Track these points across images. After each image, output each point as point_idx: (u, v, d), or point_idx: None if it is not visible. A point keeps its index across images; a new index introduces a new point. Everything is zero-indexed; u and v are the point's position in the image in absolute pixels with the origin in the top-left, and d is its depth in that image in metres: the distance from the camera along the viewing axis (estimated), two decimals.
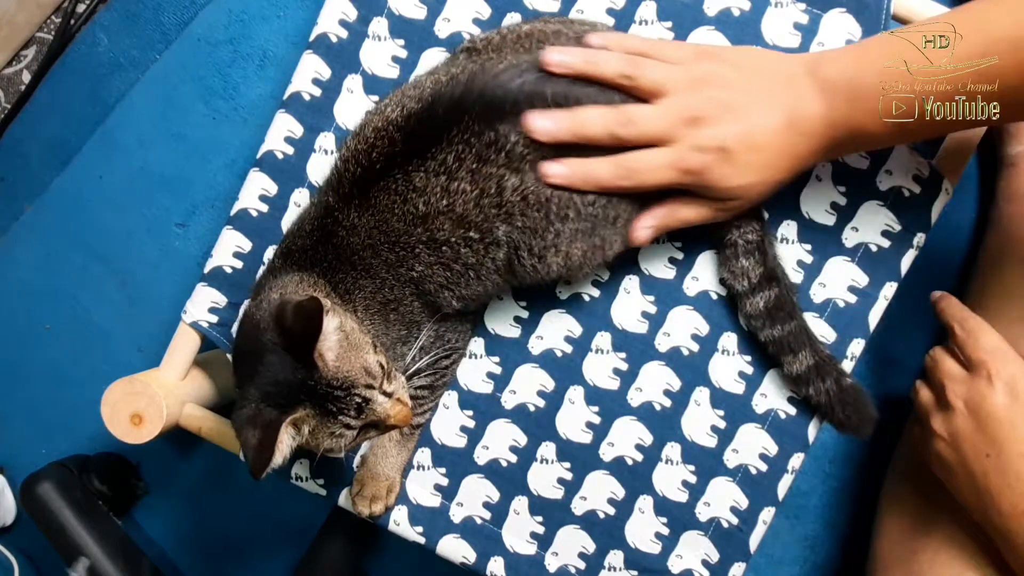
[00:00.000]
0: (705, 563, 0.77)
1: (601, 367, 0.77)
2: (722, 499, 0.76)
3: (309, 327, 0.59)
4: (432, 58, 0.76)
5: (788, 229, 0.74)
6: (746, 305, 0.72)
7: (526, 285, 0.72)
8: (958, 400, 0.64)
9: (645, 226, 0.67)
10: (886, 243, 0.74)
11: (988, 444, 0.62)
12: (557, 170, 0.63)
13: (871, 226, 0.73)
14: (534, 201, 0.64)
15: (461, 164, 0.62)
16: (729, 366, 0.76)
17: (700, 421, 0.76)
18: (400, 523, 0.79)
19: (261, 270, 0.77)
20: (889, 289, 0.74)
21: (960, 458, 0.64)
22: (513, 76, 0.63)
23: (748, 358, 0.75)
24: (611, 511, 0.77)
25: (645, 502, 0.77)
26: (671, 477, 0.77)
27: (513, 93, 0.62)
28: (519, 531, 0.78)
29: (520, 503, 0.78)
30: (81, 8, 1.04)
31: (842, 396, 0.71)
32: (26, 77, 1.06)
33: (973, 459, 0.63)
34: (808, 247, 0.74)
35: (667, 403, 0.76)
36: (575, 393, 0.77)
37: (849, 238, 0.74)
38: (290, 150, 0.78)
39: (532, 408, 0.78)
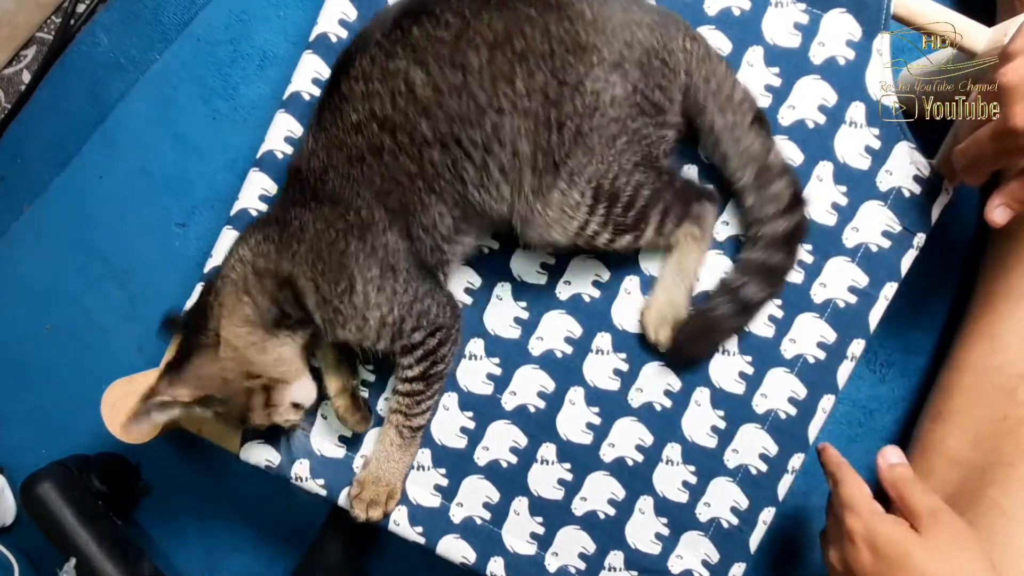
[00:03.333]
0: (705, 563, 0.77)
1: (601, 368, 0.77)
2: (722, 499, 0.76)
3: None
4: None
5: None
6: (762, 230, 0.71)
7: (493, 215, 0.69)
8: (837, 563, 0.66)
9: None
10: (886, 243, 0.73)
11: None
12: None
13: (871, 226, 0.73)
14: (449, 90, 0.64)
15: (374, 65, 0.65)
16: (729, 366, 0.76)
17: (700, 421, 0.76)
18: (400, 523, 0.79)
19: None
20: (889, 289, 0.74)
21: None
22: None
23: (748, 358, 0.75)
24: (611, 511, 0.77)
25: (645, 502, 0.77)
26: (671, 477, 0.77)
27: None
28: (519, 531, 0.78)
29: (520, 503, 0.78)
30: (81, 8, 1.04)
31: None
32: (26, 77, 1.06)
33: None
34: (809, 247, 0.74)
35: (667, 403, 0.76)
36: (575, 394, 0.77)
37: (849, 238, 0.74)
38: (290, 150, 0.78)
39: (532, 409, 0.78)
